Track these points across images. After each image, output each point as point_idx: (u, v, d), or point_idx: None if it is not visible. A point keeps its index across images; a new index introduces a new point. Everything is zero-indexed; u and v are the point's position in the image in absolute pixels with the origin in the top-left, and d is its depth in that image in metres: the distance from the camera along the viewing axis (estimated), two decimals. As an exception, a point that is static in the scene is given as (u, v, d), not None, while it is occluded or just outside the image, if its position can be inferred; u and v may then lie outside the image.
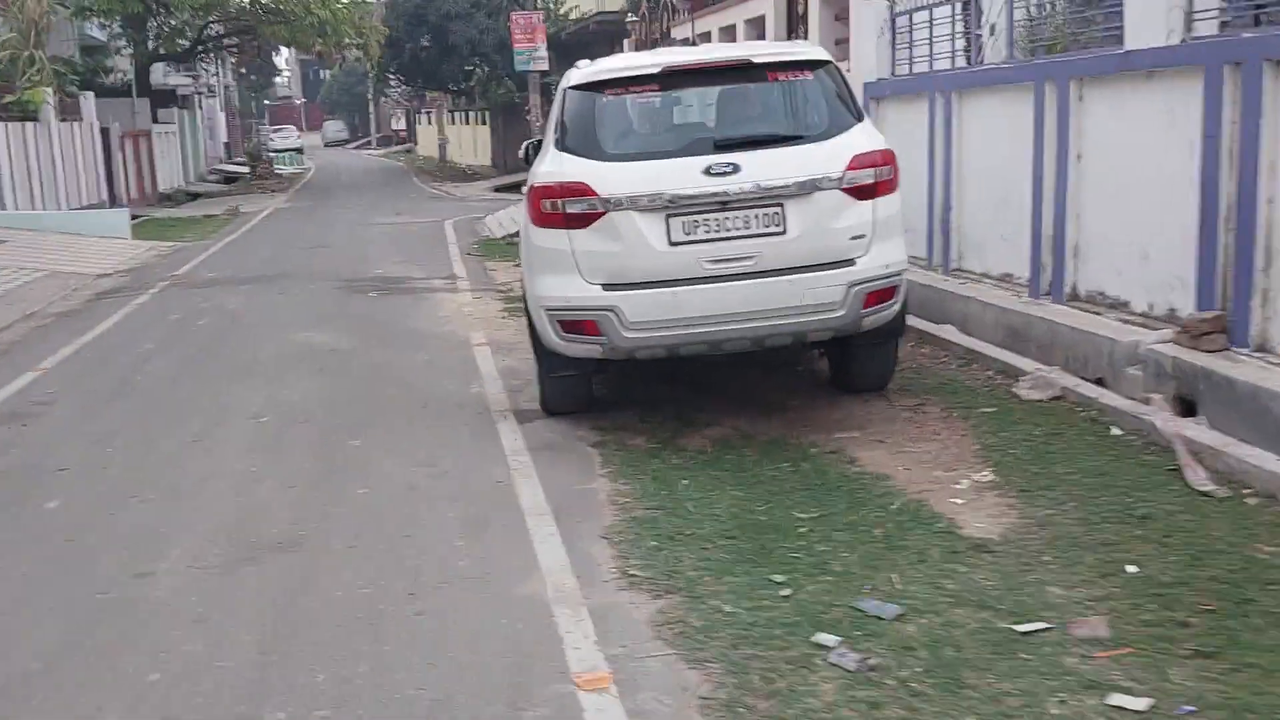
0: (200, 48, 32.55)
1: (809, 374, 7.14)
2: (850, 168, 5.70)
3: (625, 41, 28.36)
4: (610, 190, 5.63)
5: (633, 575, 4.29)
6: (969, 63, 8.88)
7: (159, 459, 6.12)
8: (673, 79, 5.98)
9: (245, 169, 38.78)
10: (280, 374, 8.04)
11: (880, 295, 5.81)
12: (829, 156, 5.72)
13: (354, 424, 6.63)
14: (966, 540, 4.46)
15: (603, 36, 30.41)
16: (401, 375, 7.85)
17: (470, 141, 43.45)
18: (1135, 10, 6.52)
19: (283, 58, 79.89)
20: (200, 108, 40.55)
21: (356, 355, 8.61)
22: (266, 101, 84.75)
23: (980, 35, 8.56)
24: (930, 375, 6.94)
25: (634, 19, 27.71)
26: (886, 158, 5.84)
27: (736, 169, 5.60)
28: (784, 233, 5.65)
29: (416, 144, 58.51)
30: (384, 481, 5.58)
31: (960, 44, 8.99)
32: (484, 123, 40.63)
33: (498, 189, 28.65)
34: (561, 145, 5.93)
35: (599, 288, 5.71)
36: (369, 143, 72.04)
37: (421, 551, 4.66)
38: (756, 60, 5.99)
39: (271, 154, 45.63)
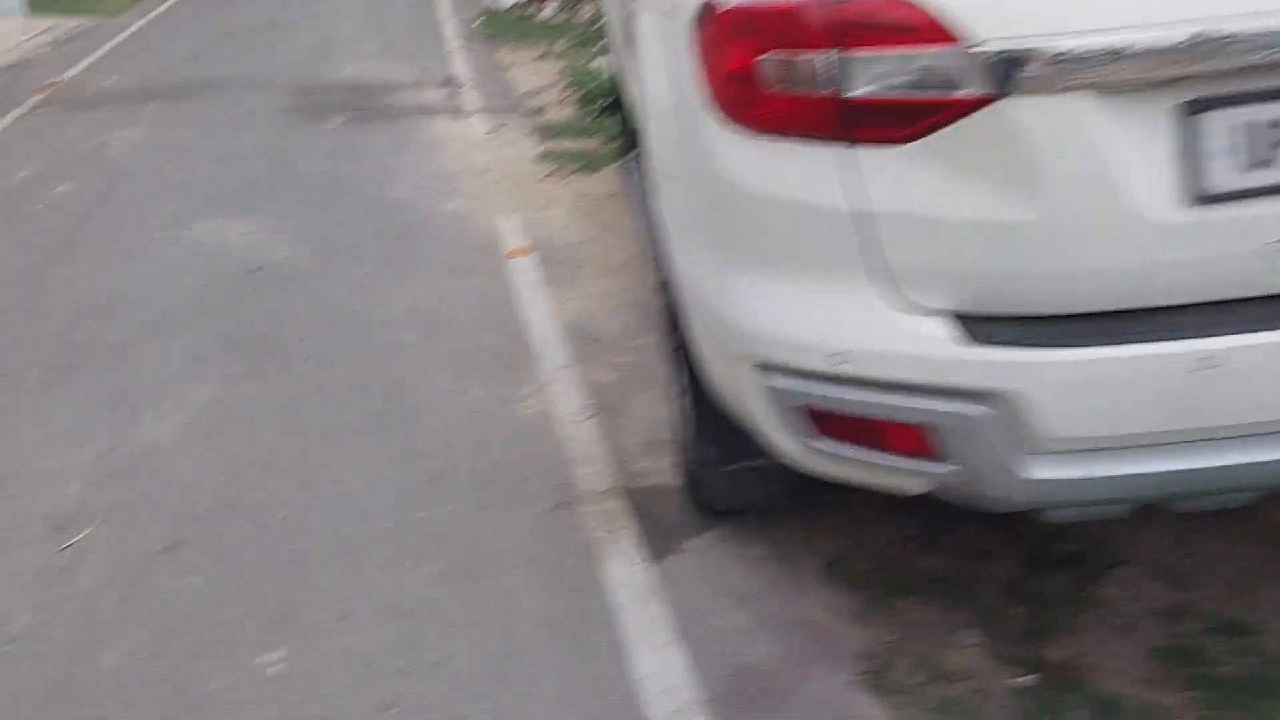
0: None
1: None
2: None
3: None
4: (1006, 27, 1.73)
5: None
6: None
7: None
8: None
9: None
10: (138, 361, 4.18)
11: None
12: None
13: (288, 560, 2.94)
14: None
15: None
16: (381, 350, 4.07)
17: None
18: None
19: None
20: None
21: (302, 289, 4.72)
22: None
23: None
24: None
25: None
26: None
27: None
28: None
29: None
30: None
31: None
32: None
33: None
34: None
35: (937, 323, 1.91)
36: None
37: None
38: None
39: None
